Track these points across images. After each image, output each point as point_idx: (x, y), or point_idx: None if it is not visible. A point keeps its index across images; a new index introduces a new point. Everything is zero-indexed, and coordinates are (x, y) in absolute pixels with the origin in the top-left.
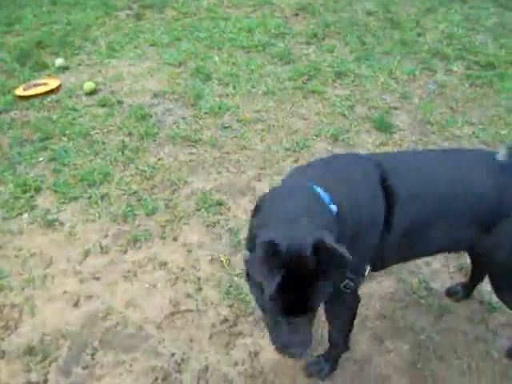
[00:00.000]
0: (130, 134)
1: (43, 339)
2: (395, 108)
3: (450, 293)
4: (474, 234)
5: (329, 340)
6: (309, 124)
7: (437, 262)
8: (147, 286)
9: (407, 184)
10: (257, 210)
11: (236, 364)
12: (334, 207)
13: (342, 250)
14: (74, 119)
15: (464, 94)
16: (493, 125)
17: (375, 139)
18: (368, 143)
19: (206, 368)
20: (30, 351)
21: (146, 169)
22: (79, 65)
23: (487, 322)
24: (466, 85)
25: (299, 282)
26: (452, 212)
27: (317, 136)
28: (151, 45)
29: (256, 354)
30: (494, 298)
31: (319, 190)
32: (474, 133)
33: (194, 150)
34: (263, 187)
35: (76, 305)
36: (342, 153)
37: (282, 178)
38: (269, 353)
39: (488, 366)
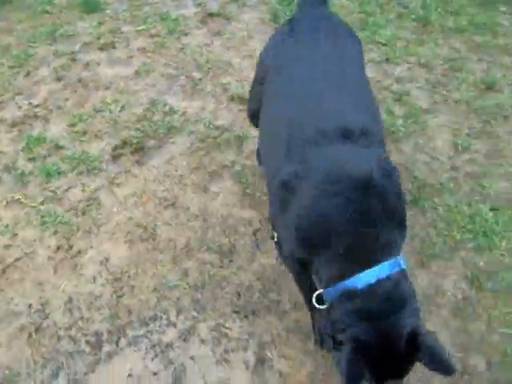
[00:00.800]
0: None
1: None
2: None
3: None
4: None
5: None
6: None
7: None
8: None
9: None
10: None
11: (94, 279)
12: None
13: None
14: None
15: None
16: None
17: (91, 22)
18: (87, 28)
19: (70, 299)
20: None
21: None
22: None
23: None
24: None
25: (392, 371)
26: None
27: (34, 42)
28: None
29: (107, 259)
30: None
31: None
32: None
33: None
34: None
35: None
36: None
37: None
38: (118, 253)
39: None
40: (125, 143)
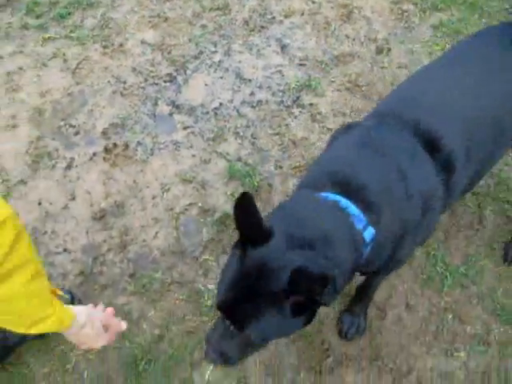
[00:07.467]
0: None
1: None
2: None
3: None
4: None
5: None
6: None
7: None
8: None
9: (455, 133)
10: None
11: (144, 53)
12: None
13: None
14: None
15: None
16: None
17: None
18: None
19: (133, 68)
20: None
21: None
22: None
23: None
24: None
25: (247, 291)
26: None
27: None
28: None
29: (144, 40)
30: None
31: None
32: None
33: None
34: None
35: None
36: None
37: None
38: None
39: None
40: None
